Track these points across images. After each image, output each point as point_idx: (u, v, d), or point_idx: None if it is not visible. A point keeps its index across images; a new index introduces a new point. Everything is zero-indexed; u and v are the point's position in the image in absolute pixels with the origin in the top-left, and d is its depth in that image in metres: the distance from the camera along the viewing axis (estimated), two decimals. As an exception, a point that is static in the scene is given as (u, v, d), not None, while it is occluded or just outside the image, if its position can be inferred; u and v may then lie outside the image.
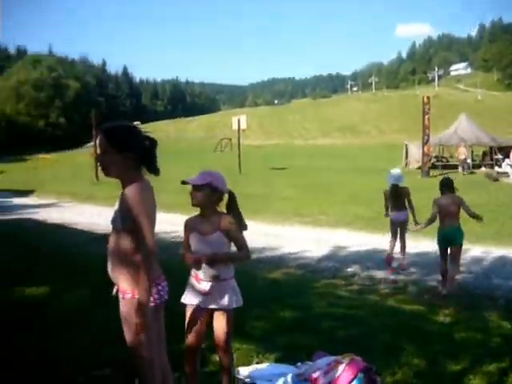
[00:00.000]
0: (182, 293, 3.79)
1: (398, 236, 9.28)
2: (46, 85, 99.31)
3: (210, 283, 3.78)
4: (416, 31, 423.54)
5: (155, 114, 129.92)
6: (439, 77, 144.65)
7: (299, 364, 4.42)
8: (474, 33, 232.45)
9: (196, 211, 3.88)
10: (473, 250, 10.03)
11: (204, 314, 3.84)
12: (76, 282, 7.52)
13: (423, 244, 10.54)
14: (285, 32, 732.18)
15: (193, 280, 3.84)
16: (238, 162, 30.69)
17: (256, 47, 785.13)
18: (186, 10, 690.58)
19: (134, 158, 3.04)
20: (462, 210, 7.56)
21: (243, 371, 4.38)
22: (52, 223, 15.31)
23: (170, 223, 9.99)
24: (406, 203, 9.10)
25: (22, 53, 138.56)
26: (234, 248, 3.83)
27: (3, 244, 9.94)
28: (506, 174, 26.90)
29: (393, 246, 9.26)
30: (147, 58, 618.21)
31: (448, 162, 34.25)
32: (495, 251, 10.21)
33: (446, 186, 7.72)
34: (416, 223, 8.59)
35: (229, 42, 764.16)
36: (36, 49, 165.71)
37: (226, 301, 3.78)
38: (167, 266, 3.22)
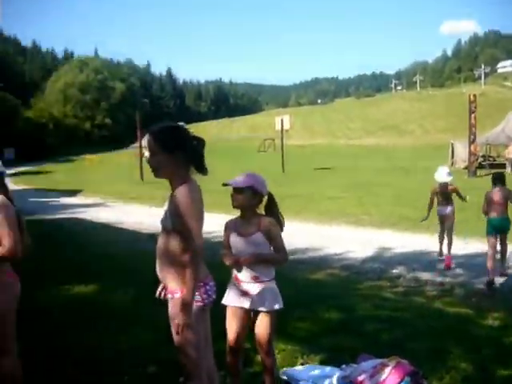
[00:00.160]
0: (223, 293, 3.80)
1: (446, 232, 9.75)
2: (92, 87, 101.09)
3: (250, 284, 3.78)
4: (461, 28, 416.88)
5: (199, 114, 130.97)
6: (486, 74, 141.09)
7: (344, 366, 4.38)
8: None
9: (236, 213, 3.91)
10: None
11: (244, 315, 3.85)
12: (124, 280, 7.63)
13: (472, 246, 10.35)
14: (327, 31, 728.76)
15: (233, 281, 3.85)
16: (281, 162, 30.68)
17: (299, 47, 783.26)
18: (228, 13, 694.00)
19: (182, 159, 3.06)
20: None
21: (288, 372, 4.36)
22: (99, 222, 15.57)
23: (211, 223, 10.02)
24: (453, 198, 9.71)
25: (68, 56, 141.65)
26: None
27: (52, 242, 10.15)
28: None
29: (441, 241, 9.83)
30: (191, 60, 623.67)
31: (495, 161, 33.45)
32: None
33: (499, 179, 8.53)
34: None
35: (271, 42, 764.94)
36: (82, 52, 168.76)
37: (266, 303, 3.77)
38: (208, 266, 3.23)
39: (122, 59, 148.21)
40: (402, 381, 3.85)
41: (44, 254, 7.87)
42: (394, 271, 9.08)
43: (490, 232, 8.41)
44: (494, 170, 26.27)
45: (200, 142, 3.14)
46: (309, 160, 39.86)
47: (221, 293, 3.81)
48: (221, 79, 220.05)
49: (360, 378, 4.01)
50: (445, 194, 9.58)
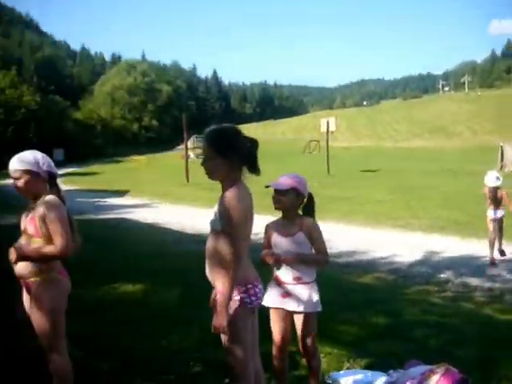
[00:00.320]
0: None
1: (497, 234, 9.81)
2: (139, 89, 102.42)
3: (292, 286, 3.78)
4: (511, 27, 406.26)
5: (244, 116, 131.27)
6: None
7: (391, 371, 4.31)
8: None
9: (278, 214, 3.91)
10: None
11: (287, 316, 3.85)
12: (170, 280, 7.72)
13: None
14: (373, 32, 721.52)
15: (274, 282, 3.85)
16: (326, 164, 30.50)
17: (344, 49, 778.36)
18: (274, 14, 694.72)
19: (236, 161, 3.07)
20: None
21: (333, 376, 4.33)
22: (145, 223, 15.77)
23: (254, 225, 10.00)
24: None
25: (116, 59, 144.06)
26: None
27: (99, 242, 10.32)
28: None
29: (492, 244, 9.70)
30: (236, 62, 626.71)
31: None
32: None
33: None
34: None
35: (316, 43, 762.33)
36: (130, 55, 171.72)
37: (308, 304, 3.76)
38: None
39: (168, 62, 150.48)
40: (451, 388, 3.78)
41: (92, 254, 8.00)
42: (442, 276, 8.92)
43: None
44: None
45: (253, 144, 3.14)
46: (354, 162, 39.51)
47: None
48: (266, 81, 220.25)
49: (407, 385, 3.95)
50: (495, 198, 9.64)
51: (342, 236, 11.97)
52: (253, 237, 3.16)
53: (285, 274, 3.79)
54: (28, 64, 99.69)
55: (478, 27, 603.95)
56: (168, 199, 22.46)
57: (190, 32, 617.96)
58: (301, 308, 3.76)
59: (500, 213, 9.72)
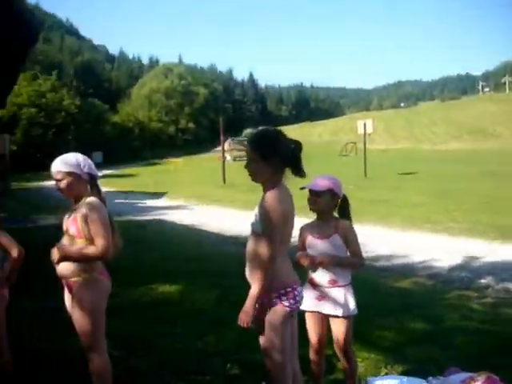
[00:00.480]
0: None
1: None
2: (176, 92, 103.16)
3: (327, 288, 3.76)
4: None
5: (280, 119, 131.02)
6: None
7: (430, 378, 4.24)
8: None
9: (312, 216, 3.90)
10: None
11: (323, 319, 3.84)
12: (207, 282, 7.77)
13: None
14: (409, 32, 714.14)
15: (309, 284, 3.84)
16: (363, 167, 30.26)
17: (380, 50, 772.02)
18: (309, 18, 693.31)
19: (279, 164, 3.10)
20: None
21: (370, 381, 4.29)
22: (182, 224, 15.87)
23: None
24: None
25: (154, 63, 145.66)
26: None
27: (137, 243, 10.43)
28: None
29: None
30: (273, 65, 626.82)
31: None
32: None
33: None
34: None
35: (353, 45, 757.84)
36: (167, 59, 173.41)
37: (342, 307, 3.75)
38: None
39: (205, 65, 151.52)
40: (492, 397, 3.70)
41: (130, 254, 8.09)
42: (482, 281, 8.73)
43: None
44: None
45: (297, 146, 3.16)
46: (391, 164, 39.12)
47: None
48: (302, 83, 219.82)
49: (447, 392, 3.89)
50: None
51: (379, 239, 11.85)
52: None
53: (320, 276, 3.78)
54: (68, 68, 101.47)
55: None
56: (205, 201, 22.57)
57: (227, 35, 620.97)
58: (337, 311, 3.75)
59: None
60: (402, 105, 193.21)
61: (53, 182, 3.56)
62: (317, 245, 3.80)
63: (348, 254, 3.83)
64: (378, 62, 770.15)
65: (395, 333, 5.64)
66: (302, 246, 3.89)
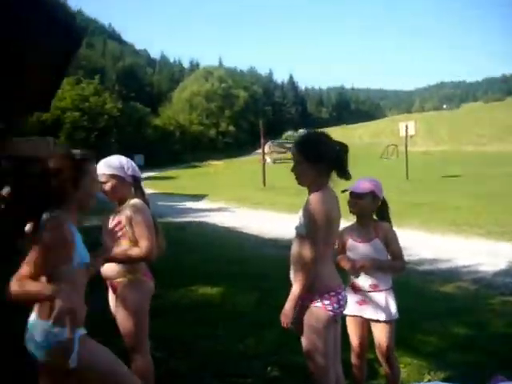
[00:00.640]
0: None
1: None
2: (216, 95, 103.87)
3: (369, 293, 3.73)
4: None
5: (320, 121, 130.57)
6: None
7: (475, 386, 4.17)
8: None
9: (352, 219, 3.86)
10: None
11: (364, 324, 3.81)
12: (248, 284, 7.78)
13: None
14: (451, 32, 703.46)
15: (350, 288, 3.80)
16: (405, 169, 29.89)
17: (422, 50, 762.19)
18: (349, 20, 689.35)
19: (325, 167, 3.09)
20: None
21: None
22: (223, 227, 15.94)
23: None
24: None
25: (194, 66, 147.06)
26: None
27: (179, 245, 10.50)
28: None
29: None
30: (312, 67, 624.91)
31: None
32: None
33: None
34: None
35: (394, 47, 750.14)
36: (207, 62, 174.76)
37: (384, 312, 3.71)
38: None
39: (245, 68, 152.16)
40: (539, 408, 3.60)
41: (171, 256, 8.15)
42: (529, 287, 8.53)
43: None
44: None
45: (342, 148, 3.14)
46: (434, 167, 38.52)
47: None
48: (342, 85, 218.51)
49: (492, 401, 3.79)
50: None
51: (421, 243, 11.68)
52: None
53: (361, 281, 3.75)
54: (110, 73, 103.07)
55: None
56: (245, 203, 22.63)
57: (267, 38, 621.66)
58: (378, 316, 3.72)
59: None
60: (445, 106, 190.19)
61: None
62: (358, 248, 3.76)
63: (389, 257, 3.78)
64: (418, 62, 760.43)
65: (438, 338, 5.54)
66: (342, 249, 3.86)
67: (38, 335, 2.45)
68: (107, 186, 3.54)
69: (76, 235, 2.63)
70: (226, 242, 12.96)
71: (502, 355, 5.00)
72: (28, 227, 2.57)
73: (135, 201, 3.55)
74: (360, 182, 3.77)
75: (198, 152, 78.77)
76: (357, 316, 3.79)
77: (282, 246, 11.16)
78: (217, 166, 58.63)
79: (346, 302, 3.23)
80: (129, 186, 3.64)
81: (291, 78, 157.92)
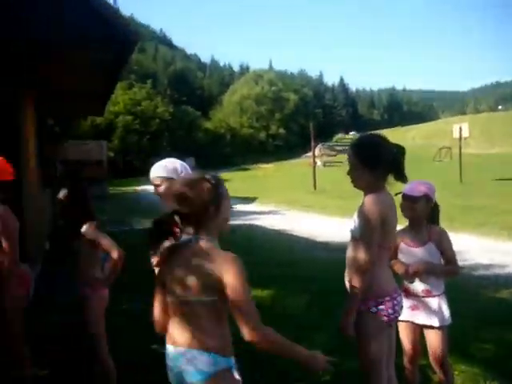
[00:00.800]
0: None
1: None
2: (266, 98, 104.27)
3: (421, 298, 3.66)
4: None
5: (372, 123, 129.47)
6: None
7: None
8: None
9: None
10: None
11: (416, 330, 3.75)
12: (298, 287, 7.76)
13: None
14: (507, 30, 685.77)
15: (402, 294, 3.75)
16: (459, 172, 29.31)
17: (476, 49, 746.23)
18: (401, 20, 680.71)
19: (381, 171, 3.05)
20: None
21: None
22: (272, 229, 15.95)
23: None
24: None
25: (244, 70, 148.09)
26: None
27: (230, 246, 10.56)
28: None
29: None
30: (363, 69, 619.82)
31: None
32: None
33: None
34: None
35: (446, 47, 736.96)
36: (257, 65, 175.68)
37: (436, 318, 3.64)
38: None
39: (295, 70, 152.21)
40: None
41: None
42: None
43: None
44: None
45: (399, 150, 3.10)
46: (489, 170, 37.58)
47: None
48: (393, 87, 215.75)
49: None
50: None
51: (476, 247, 11.42)
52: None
53: (414, 285, 3.69)
54: (162, 77, 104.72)
55: None
56: (295, 206, 22.59)
57: (318, 40, 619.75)
58: (431, 322, 3.65)
59: None
60: (500, 107, 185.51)
61: (147, 187, 3.66)
62: (411, 252, 3.71)
63: (442, 261, 3.71)
64: (473, 62, 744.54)
65: (494, 345, 5.39)
66: (394, 252, 3.80)
67: (199, 364, 2.32)
68: (161, 189, 3.57)
69: None
70: (276, 244, 12.97)
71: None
72: (162, 247, 2.52)
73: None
74: (413, 184, 3.70)
75: (248, 155, 79.21)
76: (409, 321, 3.73)
77: (333, 248, 11.11)
78: (266, 168, 58.79)
79: (402, 307, 3.17)
80: None
81: (342, 80, 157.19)
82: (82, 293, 3.99)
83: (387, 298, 3.02)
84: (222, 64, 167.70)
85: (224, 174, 52.74)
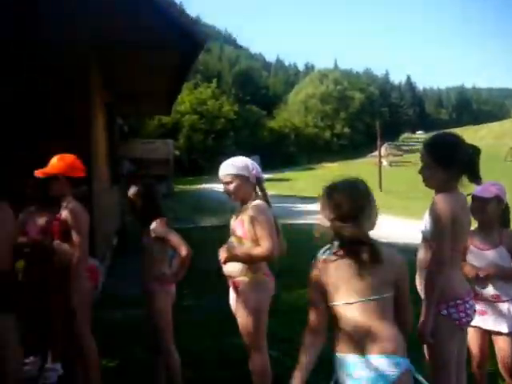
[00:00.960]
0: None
1: None
2: (331, 98, 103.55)
3: (490, 303, 3.57)
4: None
5: (439, 122, 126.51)
6: None
7: None
8: None
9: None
10: None
11: (483, 336, 3.66)
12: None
13: None
14: None
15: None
16: (531, 173, 28.34)
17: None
18: (469, 13, 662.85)
19: (455, 171, 2.99)
20: None
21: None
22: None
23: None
24: None
25: (309, 69, 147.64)
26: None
27: (292, 246, 10.54)
28: None
29: None
30: (431, 67, 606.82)
31: None
32: None
33: None
34: None
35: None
36: (323, 65, 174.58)
37: (505, 323, 3.54)
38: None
39: (361, 69, 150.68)
40: None
41: (286, 257, 8.21)
42: None
43: None
44: None
45: (475, 151, 3.03)
46: None
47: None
48: (462, 85, 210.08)
49: None
50: None
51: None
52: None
53: (483, 289, 3.59)
54: (226, 77, 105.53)
55: None
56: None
57: (383, 39, 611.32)
58: (500, 328, 3.56)
59: None
60: None
61: (211, 185, 3.70)
62: (481, 255, 3.61)
63: None
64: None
65: None
66: (463, 255, 3.71)
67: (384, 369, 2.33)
68: (231, 187, 3.62)
69: None
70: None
71: None
72: None
73: (257, 201, 3.61)
74: (485, 185, 3.60)
75: (312, 154, 78.85)
76: (476, 327, 3.62)
77: (399, 249, 10.89)
78: (331, 168, 58.36)
79: (474, 311, 3.09)
80: (252, 186, 3.71)
81: (408, 78, 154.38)
82: (149, 288, 4.04)
83: (459, 302, 2.94)
84: (287, 63, 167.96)
85: (289, 174, 52.81)
